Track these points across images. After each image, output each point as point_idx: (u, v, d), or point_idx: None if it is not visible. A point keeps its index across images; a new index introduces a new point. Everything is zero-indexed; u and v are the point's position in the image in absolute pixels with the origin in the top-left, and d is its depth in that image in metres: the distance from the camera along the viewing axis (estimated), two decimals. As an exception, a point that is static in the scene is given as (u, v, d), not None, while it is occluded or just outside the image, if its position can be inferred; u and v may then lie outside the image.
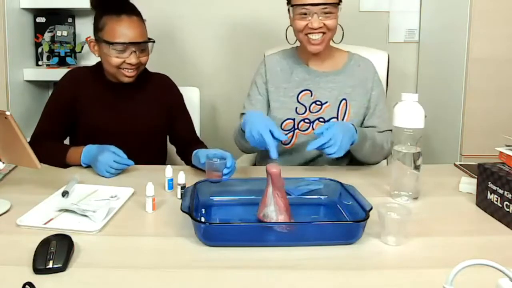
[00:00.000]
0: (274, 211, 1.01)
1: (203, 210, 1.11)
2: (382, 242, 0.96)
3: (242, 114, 1.54)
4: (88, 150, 1.42)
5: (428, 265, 0.88)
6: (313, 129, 1.52)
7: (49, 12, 2.34)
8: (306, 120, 1.53)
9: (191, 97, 1.83)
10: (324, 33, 1.44)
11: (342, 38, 1.54)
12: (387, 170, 1.38)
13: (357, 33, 1.84)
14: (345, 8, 1.47)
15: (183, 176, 1.21)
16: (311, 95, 1.54)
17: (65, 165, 1.45)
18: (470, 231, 1.03)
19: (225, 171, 1.25)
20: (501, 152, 1.14)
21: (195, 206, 1.02)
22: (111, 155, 1.36)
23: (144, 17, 1.54)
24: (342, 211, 1.10)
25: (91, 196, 1.21)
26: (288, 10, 1.49)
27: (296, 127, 1.53)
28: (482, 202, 1.14)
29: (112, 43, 1.46)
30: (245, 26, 2.53)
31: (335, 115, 1.53)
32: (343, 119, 1.52)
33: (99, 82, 1.58)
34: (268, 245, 0.95)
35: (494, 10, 1.94)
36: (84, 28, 2.38)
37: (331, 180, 1.18)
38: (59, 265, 0.84)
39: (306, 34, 1.46)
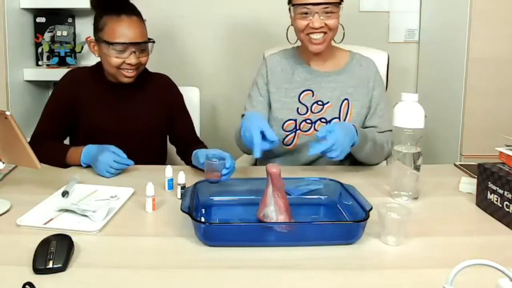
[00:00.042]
0: (274, 211, 1.01)
1: (203, 210, 1.11)
2: (382, 242, 0.96)
3: (243, 115, 1.54)
4: (88, 150, 1.42)
5: (428, 265, 0.88)
6: (315, 129, 1.51)
7: (49, 12, 2.34)
8: (308, 121, 1.52)
9: (191, 97, 1.83)
10: (325, 32, 1.44)
11: (343, 38, 1.54)
12: (387, 170, 1.38)
13: (357, 33, 1.84)
14: (345, 8, 1.47)
15: (183, 176, 1.21)
16: (313, 95, 1.54)
17: (65, 165, 1.45)
18: (470, 231, 1.03)
19: (224, 171, 1.25)
20: (501, 152, 1.14)
21: (195, 206, 1.02)
22: (111, 155, 1.36)
23: (144, 17, 1.54)
24: (342, 211, 1.10)
25: (91, 196, 1.21)
26: (289, 9, 1.49)
27: (297, 127, 1.52)
28: (482, 202, 1.14)
29: (112, 43, 1.46)
30: (245, 26, 2.53)
31: (337, 115, 1.52)
32: (345, 119, 1.52)
33: (99, 82, 1.58)
34: (268, 245, 0.95)
35: (494, 10, 1.94)
36: (84, 28, 2.38)
37: (331, 180, 1.18)
38: (59, 265, 0.84)
39: (307, 34, 1.45)
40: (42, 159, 1.15)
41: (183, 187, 1.19)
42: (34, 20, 2.34)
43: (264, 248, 0.94)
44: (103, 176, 1.36)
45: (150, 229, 1.06)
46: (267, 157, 1.58)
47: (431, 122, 1.74)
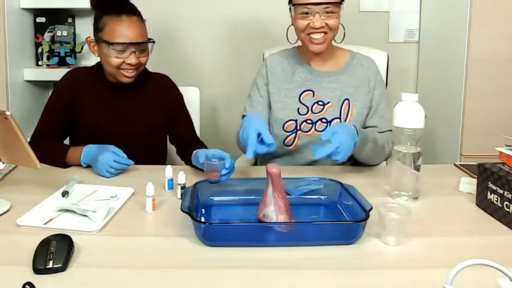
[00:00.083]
0: (274, 211, 1.01)
1: (203, 210, 1.11)
2: (382, 242, 0.96)
3: (244, 116, 1.53)
4: (88, 150, 1.42)
5: (428, 265, 0.88)
6: (315, 130, 1.51)
7: (49, 12, 2.34)
8: (309, 121, 1.52)
9: (191, 97, 1.83)
10: (326, 32, 1.44)
11: (344, 38, 1.54)
12: (387, 170, 1.38)
13: (357, 33, 1.84)
14: (345, 8, 1.47)
15: (183, 176, 1.21)
16: (313, 96, 1.53)
17: (65, 165, 1.45)
18: (470, 231, 1.03)
19: (224, 171, 1.25)
20: (501, 152, 1.14)
21: (195, 206, 1.02)
22: (111, 155, 1.36)
23: (144, 17, 1.54)
24: (342, 211, 1.10)
25: (91, 196, 1.21)
26: (290, 9, 1.48)
27: (298, 128, 1.52)
28: (482, 202, 1.14)
29: (112, 43, 1.46)
30: (245, 26, 2.53)
31: (338, 116, 1.52)
32: (345, 120, 1.51)
33: (99, 82, 1.58)
34: (268, 245, 0.95)
35: (494, 10, 1.94)
36: (84, 28, 2.38)
37: (331, 180, 1.18)
38: (59, 265, 0.84)
39: (308, 34, 1.45)
40: (42, 159, 1.15)
41: (183, 187, 1.19)
42: (34, 20, 2.34)
43: (264, 248, 0.94)
44: (103, 176, 1.36)
45: (150, 229, 1.06)
46: (268, 157, 1.58)
47: (431, 122, 1.74)
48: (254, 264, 0.88)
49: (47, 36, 2.35)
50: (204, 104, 2.06)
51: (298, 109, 1.53)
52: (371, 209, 0.97)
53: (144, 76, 1.61)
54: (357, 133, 1.32)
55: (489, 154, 1.30)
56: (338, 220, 1.06)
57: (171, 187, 1.25)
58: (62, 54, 2.35)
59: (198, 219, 0.99)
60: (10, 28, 2.09)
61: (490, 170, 1.10)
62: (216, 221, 1.08)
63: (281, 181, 1.02)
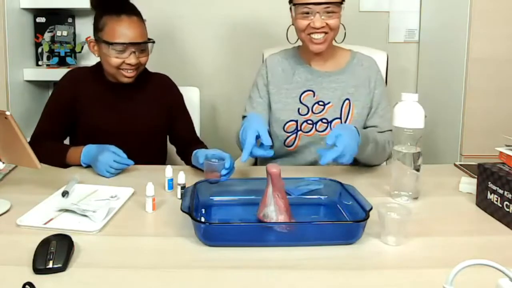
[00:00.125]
0: (274, 211, 1.01)
1: (203, 210, 1.11)
2: (382, 242, 0.96)
3: (244, 116, 1.53)
4: (88, 150, 1.42)
5: (428, 265, 0.88)
6: (316, 130, 1.51)
7: (49, 12, 2.34)
8: (309, 121, 1.52)
9: (191, 97, 1.83)
10: (326, 32, 1.44)
11: (344, 38, 1.53)
12: (387, 170, 1.38)
13: (357, 33, 1.84)
14: (345, 8, 1.47)
15: (183, 176, 1.21)
16: (314, 96, 1.53)
17: (65, 165, 1.45)
18: (470, 231, 1.03)
19: (223, 172, 1.25)
20: (501, 152, 1.14)
21: (195, 206, 1.02)
22: (111, 155, 1.36)
23: (144, 17, 1.54)
24: (342, 211, 1.10)
25: (91, 196, 1.21)
26: (290, 9, 1.48)
27: (299, 128, 1.52)
28: (482, 202, 1.14)
29: (112, 43, 1.46)
30: (245, 26, 2.53)
31: (338, 116, 1.52)
32: (346, 120, 1.51)
33: (99, 82, 1.58)
34: (268, 245, 0.95)
35: (494, 10, 1.94)
36: (84, 28, 2.38)
37: (331, 180, 1.18)
38: (59, 265, 0.84)
39: (308, 34, 1.45)
40: (42, 159, 1.15)
41: (183, 187, 1.19)
42: (34, 20, 2.34)
43: (264, 248, 0.94)
44: (103, 176, 1.36)
45: (150, 229, 1.06)
46: (268, 158, 1.57)
47: (431, 122, 1.74)
48: (254, 264, 0.88)
49: (47, 36, 2.35)
50: (204, 104, 2.06)
51: (299, 109, 1.53)
52: (371, 209, 0.97)
53: (144, 76, 1.61)
54: (358, 134, 1.32)
55: (489, 154, 1.30)
56: (338, 220, 1.06)
57: (171, 187, 1.25)
58: (62, 54, 2.35)
59: (198, 219, 0.99)
60: (10, 28, 2.09)
61: (490, 170, 1.10)
62: (216, 221, 1.08)
63: (281, 181, 1.02)
